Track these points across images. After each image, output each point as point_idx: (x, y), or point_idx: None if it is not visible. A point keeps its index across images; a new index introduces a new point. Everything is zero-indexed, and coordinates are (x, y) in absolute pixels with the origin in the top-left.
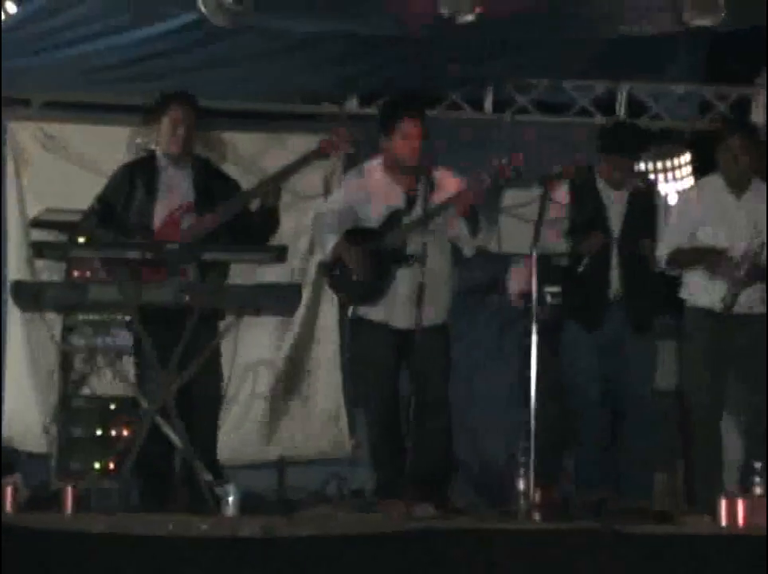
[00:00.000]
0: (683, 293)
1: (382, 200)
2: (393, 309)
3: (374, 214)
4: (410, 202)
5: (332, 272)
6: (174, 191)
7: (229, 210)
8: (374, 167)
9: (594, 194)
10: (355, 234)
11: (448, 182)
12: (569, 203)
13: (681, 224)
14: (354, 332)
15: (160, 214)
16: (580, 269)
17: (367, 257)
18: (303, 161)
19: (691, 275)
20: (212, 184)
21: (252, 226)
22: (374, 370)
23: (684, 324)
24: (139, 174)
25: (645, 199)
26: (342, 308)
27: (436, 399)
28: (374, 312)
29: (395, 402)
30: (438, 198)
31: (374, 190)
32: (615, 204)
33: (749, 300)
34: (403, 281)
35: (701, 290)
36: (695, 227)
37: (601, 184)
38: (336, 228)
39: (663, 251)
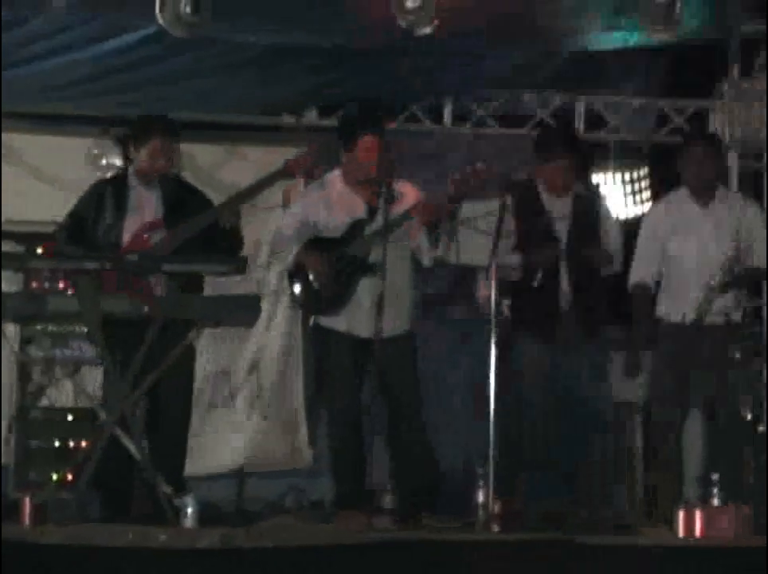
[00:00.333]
0: (657, 311)
1: (344, 211)
2: (356, 319)
3: (336, 225)
4: (372, 212)
5: (293, 281)
6: (144, 210)
7: (192, 226)
8: (336, 177)
9: (539, 205)
10: (317, 243)
11: (409, 194)
12: (515, 216)
13: (650, 248)
14: (316, 341)
15: (129, 232)
16: (535, 284)
17: (329, 266)
18: (268, 180)
19: (662, 295)
20: (182, 200)
21: (218, 244)
22: (337, 380)
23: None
24: (110, 193)
25: (588, 205)
26: (304, 318)
27: (410, 409)
28: (337, 322)
29: (357, 413)
30: (399, 209)
31: (336, 201)
32: (559, 212)
33: (722, 308)
34: (366, 290)
35: (673, 308)
36: (665, 241)
37: (544, 194)
38: (297, 239)
39: (634, 278)
